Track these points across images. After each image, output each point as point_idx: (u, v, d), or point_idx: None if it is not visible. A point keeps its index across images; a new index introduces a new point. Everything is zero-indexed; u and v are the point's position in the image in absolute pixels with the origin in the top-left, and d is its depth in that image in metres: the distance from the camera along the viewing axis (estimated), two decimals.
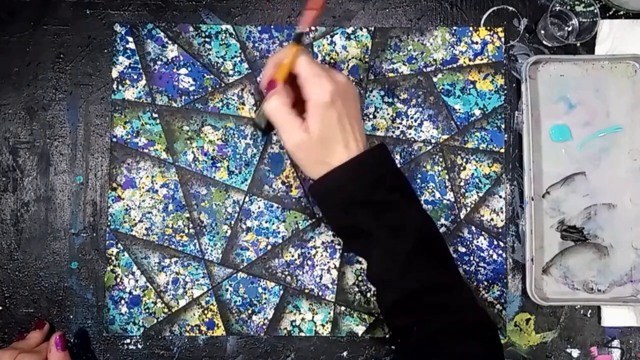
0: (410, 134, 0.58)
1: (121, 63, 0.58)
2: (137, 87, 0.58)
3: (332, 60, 0.58)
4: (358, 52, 0.58)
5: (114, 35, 0.58)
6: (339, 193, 0.45)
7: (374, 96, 0.58)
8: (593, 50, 0.58)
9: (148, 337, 0.56)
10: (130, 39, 0.58)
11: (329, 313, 0.57)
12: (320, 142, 0.44)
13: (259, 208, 0.57)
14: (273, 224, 0.57)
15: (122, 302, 0.56)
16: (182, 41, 0.58)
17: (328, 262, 0.57)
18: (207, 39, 0.58)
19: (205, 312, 0.56)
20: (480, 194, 0.57)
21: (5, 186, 0.57)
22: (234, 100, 0.58)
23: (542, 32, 0.57)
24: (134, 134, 0.57)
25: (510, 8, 0.58)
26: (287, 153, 0.48)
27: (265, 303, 0.57)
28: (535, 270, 0.55)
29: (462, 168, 0.57)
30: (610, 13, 0.58)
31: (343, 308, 0.57)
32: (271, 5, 0.59)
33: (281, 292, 0.57)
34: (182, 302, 0.57)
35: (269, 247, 0.57)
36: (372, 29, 0.58)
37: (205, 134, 0.57)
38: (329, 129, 0.44)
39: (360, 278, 0.57)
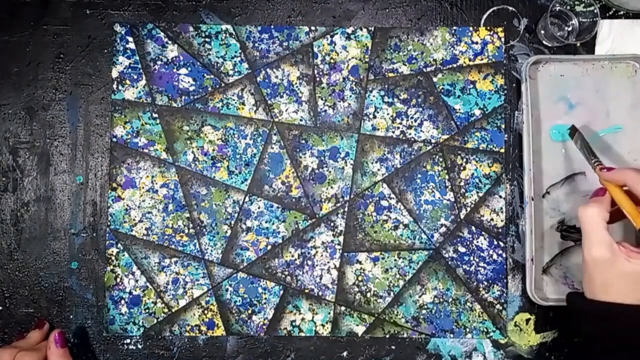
0: (410, 134, 0.58)
1: (121, 63, 0.58)
2: (137, 87, 0.58)
3: (332, 61, 0.58)
4: (358, 52, 0.58)
5: (114, 35, 0.58)
6: (612, 328, 0.42)
7: (374, 96, 0.58)
8: (593, 50, 0.58)
9: (148, 337, 0.56)
10: (130, 39, 0.58)
11: (329, 313, 0.57)
12: (625, 277, 0.41)
13: (259, 208, 0.57)
14: (273, 224, 0.57)
15: (122, 302, 0.56)
16: (182, 41, 0.58)
17: (328, 262, 0.57)
18: (207, 39, 0.58)
19: (205, 312, 0.56)
20: (480, 194, 0.57)
21: (5, 186, 0.57)
22: (234, 100, 0.58)
23: (542, 32, 0.57)
24: (134, 134, 0.57)
25: (510, 8, 0.58)
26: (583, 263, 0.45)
27: (265, 303, 0.57)
28: (535, 270, 0.55)
29: (462, 168, 0.57)
30: (610, 13, 0.58)
31: (343, 308, 0.57)
32: (271, 5, 0.59)
33: (281, 292, 0.57)
34: (182, 302, 0.57)
35: (269, 247, 0.57)
36: (372, 29, 0.58)
37: (205, 134, 0.57)
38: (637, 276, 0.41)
39: (360, 278, 0.57)
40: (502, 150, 0.57)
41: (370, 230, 0.57)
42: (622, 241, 0.44)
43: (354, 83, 0.58)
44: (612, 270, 0.41)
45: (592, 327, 0.44)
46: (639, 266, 0.41)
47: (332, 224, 0.57)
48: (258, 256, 0.57)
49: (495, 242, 0.57)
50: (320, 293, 0.57)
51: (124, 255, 0.57)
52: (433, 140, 0.58)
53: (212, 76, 0.58)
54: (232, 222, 0.57)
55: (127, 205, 0.57)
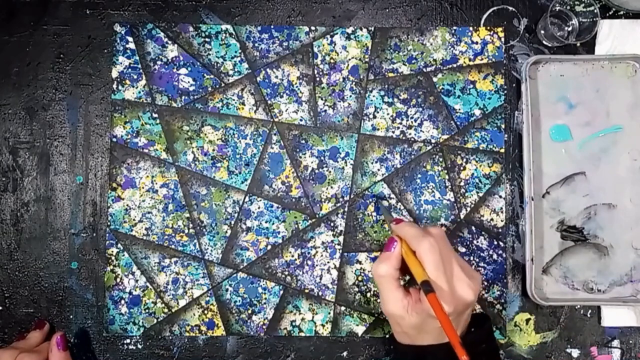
0: (410, 134, 0.58)
1: (121, 63, 0.58)
2: (137, 87, 0.58)
3: (332, 61, 0.58)
4: (358, 52, 0.58)
5: (114, 35, 0.58)
6: None
7: (374, 96, 0.58)
8: (593, 50, 0.58)
9: (148, 337, 0.56)
10: (130, 39, 0.58)
11: (329, 313, 0.57)
12: (414, 328, 0.46)
13: (259, 208, 0.57)
14: (273, 224, 0.57)
15: (122, 302, 0.56)
16: (182, 41, 0.58)
17: (328, 262, 0.57)
18: (207, 39, 0.58)
19: (205, 312, 0.56)
20: (480, 194, 0.57)
21: (5, 186, 0.57)
22: (234, 100, 0.58)
23: (542, 32, 0.57)
24: (134, 134, 0.57)
25: (510, 8, 0.58)
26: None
27: (265, 303, 0.57)
28: (535, 270, 0.55)
29: (462, 168, 0.57)
30: (610, 13, 0.58)
31: (343, 308, 0.57)
32: (271, 5, 0.59)
33: (281, 292, 0.57)
34: (182, 302, 0.57)
35: (269, 247, 0.57)
36: (372, 29, 0.58)
37: (205, 134, 0.57)
38: (429, 328, 0.45)
39: (360, 278, 0.57)
40: (502, 150, 0.57)
41: (370, 230, 0.57)
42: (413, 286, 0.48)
43: (354, 83, 0.58)
44: (405, 323, 0.46)
45: None
46: (421, 317, 0.44)
47: (332, 224, 0.57)
48: (258, 256, 0.57)
49: (495, 242, 0.57)
50: (320, 293, 0.57)
51: (124, 255, 0.57)
52: (433, 140, 0.58)
53: (212, 76, 0.58)
54: (232, 222, 0.57)
55: (127, 205, 0.57)
